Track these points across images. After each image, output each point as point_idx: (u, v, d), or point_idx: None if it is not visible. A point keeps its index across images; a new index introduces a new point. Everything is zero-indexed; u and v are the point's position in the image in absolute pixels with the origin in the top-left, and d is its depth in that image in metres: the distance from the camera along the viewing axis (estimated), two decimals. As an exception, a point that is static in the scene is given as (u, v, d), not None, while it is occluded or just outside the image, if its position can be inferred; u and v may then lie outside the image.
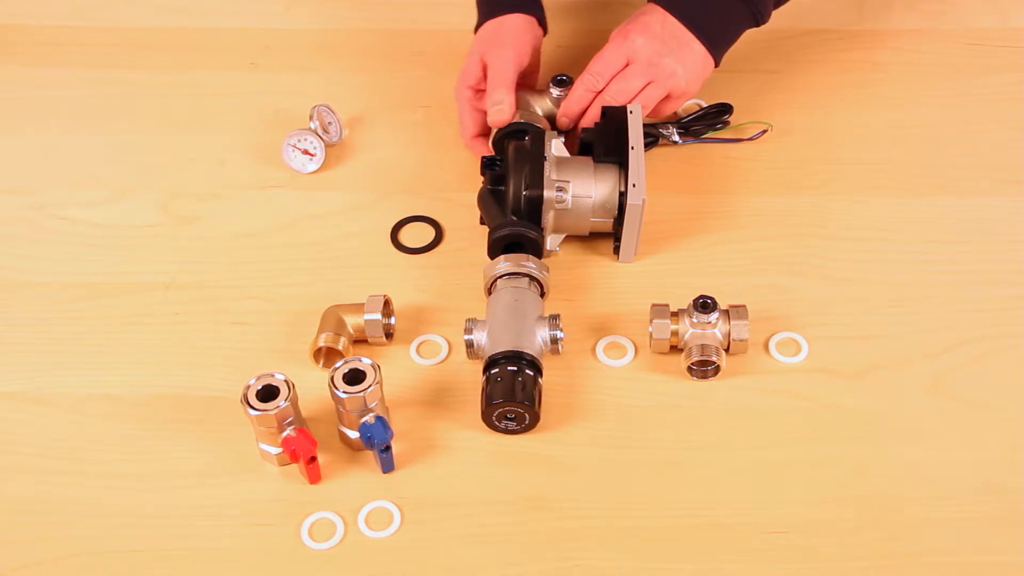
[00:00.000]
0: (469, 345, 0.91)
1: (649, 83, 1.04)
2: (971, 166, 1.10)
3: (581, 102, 1.06)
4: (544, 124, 1.06)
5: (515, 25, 1.07)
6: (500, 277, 0.95)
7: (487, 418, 0.89)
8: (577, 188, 0.98)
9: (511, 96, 1.03)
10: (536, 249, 0.97)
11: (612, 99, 1.04)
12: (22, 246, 1.07)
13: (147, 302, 1.01)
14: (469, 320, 0.92)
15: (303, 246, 1.05)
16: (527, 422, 0.88)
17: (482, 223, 1.01)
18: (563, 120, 1.08)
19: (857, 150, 1.13)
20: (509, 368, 0.88)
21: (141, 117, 1.20)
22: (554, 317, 0.92)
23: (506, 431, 0.89)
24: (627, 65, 1.04)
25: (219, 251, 1.05)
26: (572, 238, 1.03)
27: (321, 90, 1.18)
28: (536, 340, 0.90)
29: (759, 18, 1.06)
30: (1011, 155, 1.12)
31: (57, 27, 1.31)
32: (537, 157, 0.99)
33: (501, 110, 1.03)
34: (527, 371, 0.88)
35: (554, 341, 0.91)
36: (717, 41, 1.04)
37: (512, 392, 0.87)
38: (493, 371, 0.88)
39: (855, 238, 1.04)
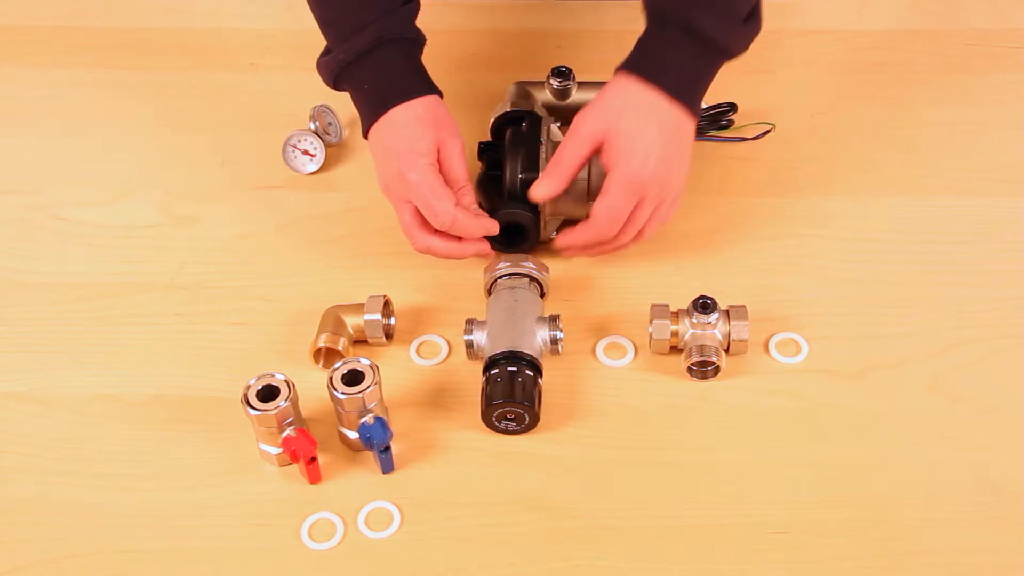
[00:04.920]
0: (469, 345, 0.91)
1: (654, 210, 0.96)
2: (971, 166, 1.10)
3: (585, 246, 0.97)
4: (542, 112, 1.06)
5: (443, 108, 0.97)
6: (500, 277, 0.95)
7: (487, 418, 0.88)
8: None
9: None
10: (533, 232, 0.97)
11: (620, 242, 0.96)
12: (22, 246, 1.07)
13: (147, 302, 1.01)
14: (469, 321, 0.92)
15: (303, 246, 1.05)
16: (527, 422, 0.88)
17: (481, 208, 1.01)
18: (563, 249, 0.99)
19: (857, 150, 1.13)
20: (509, 369, 0.88)
21: (141, 117, 1.20)
22: (554, 318, 0.92)
23: (506, 431, 0.89)
24: (637, 206, 0.94)
25: (219, 251, 1.05)
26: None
27: (321, 90, 1.18)
28: (536, 340, 0.90)
29: (718, 46, 0.94)
30: (1011, 155, 1.12)
31: (57, 27, 1.31)
32: (533, 142, 1.00)
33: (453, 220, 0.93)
34: (527, 371, 0.88)
35: (554, 342, 0.91)
36: (691, 96, 0.94)
37: (512, 393, 0.87)
38: (493, 371, 0.88)
39: (855, 238, 1.04)
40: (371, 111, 0.97)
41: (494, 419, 0.88)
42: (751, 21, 0.95)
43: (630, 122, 0.92)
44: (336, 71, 0.98)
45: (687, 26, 0.92)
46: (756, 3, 0.95)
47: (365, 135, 0.98)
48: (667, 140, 0.93)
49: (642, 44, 0.95)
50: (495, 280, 0.95)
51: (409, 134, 0.94)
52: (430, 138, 0.94)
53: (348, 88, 0.99)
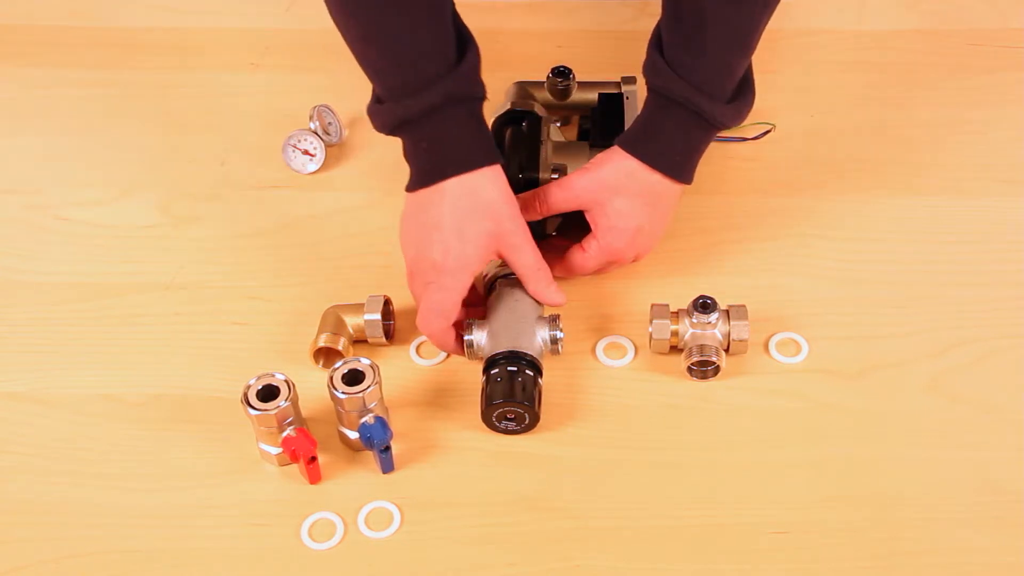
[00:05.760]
0: (469, 345, 0.91)
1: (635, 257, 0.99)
2: (971, 166, 1.10)
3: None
4: (542, 112, 1.06)
5: (500, 181, 0.90)
6: (500, 277, 0.95)
7: (487, 418, 0.88)
8: (573, 171, 0.98)
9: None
10: (537, 231, 0.97)
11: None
12: (22, 246, 1.07)
13: (147, 302, 1.01)
14: (468, 320, 0.92)
15: (303, 246, 1.05)
16: (527, 422, 0.88)
17: None
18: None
19: (857, 150, 1.13)
20: (509, 368, 0.88)
21: (141, 117, 1.20)
22: (554, 317, 0.92)
23: (506, 431, 0.89)
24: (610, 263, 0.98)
25: (219, 251, 1.05)
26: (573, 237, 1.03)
27: (321, 90, 1.18)
28: (536, 340, 0.90)
29: (720, 127, 0.94)
30: (1011, 155, 1.12)
31: (57, 27, 1.31)
32: (534, 141, 1.00)
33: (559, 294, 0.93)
34: (527, 371, 0.88)
35: (554, 341, 0.91)
36: (690, 174, 0.96)
37: (512, 393, 0.87)
38: (493, 371, 0.88)
39: (855, 238, 1.04)
40: (424, 174, 0.90)
41: (494, 419, 0.88)
42: (748, 95, 0.95)
43: (623, 202, 0.94)
44: (393, 126, 0.90)
45: (695, 114, 0.92)
46: (750, 72, 0.95)
47: (410, 189, 0.91)
48: (655, 217, 0.96)
49: (646, 124, 0.95)
50: (495, 279, 0.95)
51: (467, 231, 0.88)
52: (485, 235, 0.88)
53: (404, 140, 0.92)
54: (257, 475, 0.88)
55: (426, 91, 0.88)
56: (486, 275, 0.96)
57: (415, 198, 0.91)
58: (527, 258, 0.91)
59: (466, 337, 0.91)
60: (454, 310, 0.90)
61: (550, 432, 0.90)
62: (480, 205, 0.89)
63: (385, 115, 0.90)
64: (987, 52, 1.23)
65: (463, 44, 0.91)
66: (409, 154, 0.91)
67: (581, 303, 0.99)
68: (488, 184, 0.89)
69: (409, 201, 0.92)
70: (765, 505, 0.85)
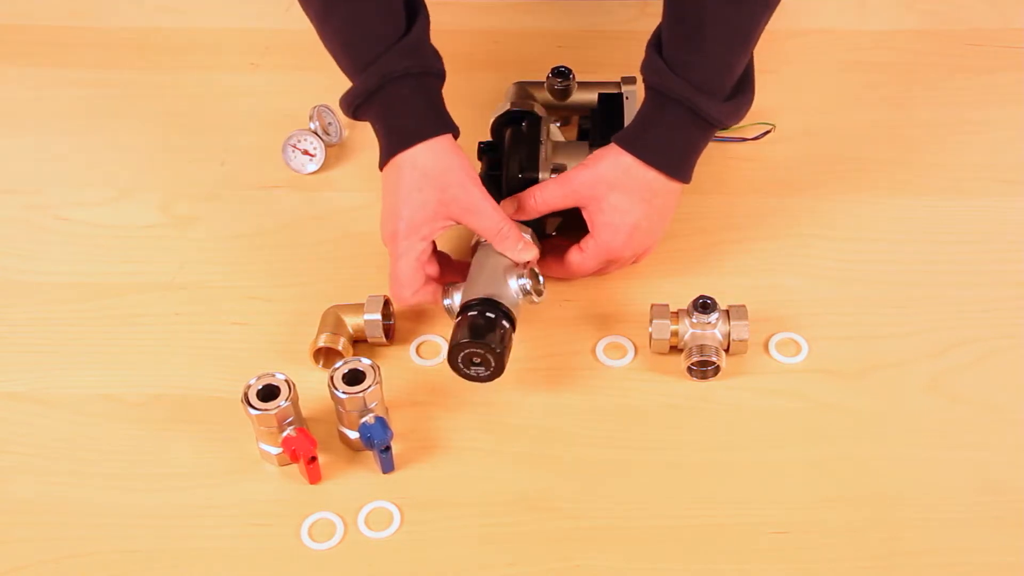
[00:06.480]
0: (448, 310, 0.92)
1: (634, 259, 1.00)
2: (971, 166, 1.10)
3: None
4: (542, 112, 1.06)
5: (459, 152, 0.92)
6: (481, 241, 0.94)
7: (454, 366, 0.88)
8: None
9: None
10: (536, 231, 0.97)
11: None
12: (22, 246, 1.07)
13: (147, 302, 1.01)
14: (446, 285, 0.92)
15: (303, 246, 1.05)
16: (492, 364, 0.87)
17: None
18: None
19: (857, 150, 1.13)
20: (469, 314, 0.88)
21: (141, 117, 1.20)
22: (525, 265, 0.91)
23: (477, 378, 0.88)
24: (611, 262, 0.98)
25: (219, 251, 1.05)
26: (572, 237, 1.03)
27: (321, 90, 1.18)
28: (508, 290, 0.90)
29: (718, 125, 0.94)
30: (1011, 155, 1.12)
31: (57, 27, 1.31)
32: (533, 141, 1.00)
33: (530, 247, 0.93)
34: (487, 313, 0.87)
35: (525, 291, 0.90)
36: (688, 172, 0.96)
37: (466, 336, 0.86)
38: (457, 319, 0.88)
39: (855, 238, 1.04)
40: (383, 152, 0.93)
41: (460, 364, 0.88)
42: (747, 93, 0.95)
43: (621, 199, 0.94)
44: (351, 111, 0.94)
45: (692, 112, 0.92)
46: (750, 70, 0.95)
47: (380, 169, 0.94)
48: (653, 215, 0.95)
49: (643, 121, 0.94)
50: (477, 244, 0.95)
51: (413, 199, 0.90)
52: (432, 202, 0.90)
53: (368, 121, 0.96)
54: (257, 475, 0.88)
55: (365, 73, 0.91)
56: (472, 243, 0.96)
57: (383, 176, 0.94)
58: (485, 220, 0.92)
59: (445, 302, 0.92)
60: (414, 275, 0.92)
61: (550, 432, 0.90)
62: (425, 175, 0.90)
63: (344, 101, 0.94)
64: (987, 52, 1.23)
65: (412, 16, 0.92)
66: (376, 135, 0.94)
67: (581, 303, 0.99)
68: (433, 155, 0.91)
69: (382, 180, 0.94)
70: (765, 505, 0.85)
